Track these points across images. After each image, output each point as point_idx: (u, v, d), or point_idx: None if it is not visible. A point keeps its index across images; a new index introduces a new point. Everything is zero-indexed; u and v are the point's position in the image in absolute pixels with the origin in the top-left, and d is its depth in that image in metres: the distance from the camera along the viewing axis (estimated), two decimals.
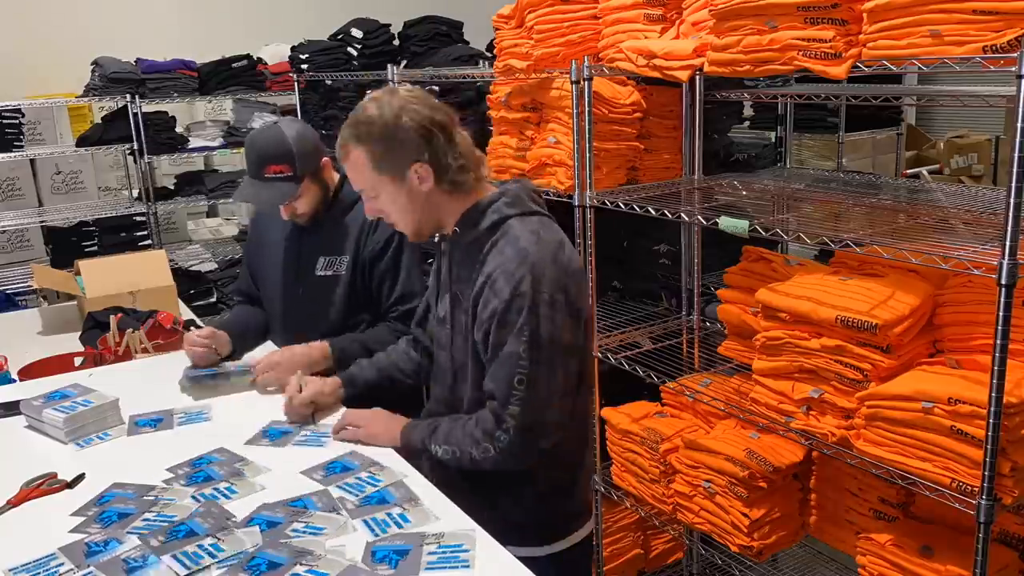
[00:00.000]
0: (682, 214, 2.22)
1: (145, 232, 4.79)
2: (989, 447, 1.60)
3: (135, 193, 4.93)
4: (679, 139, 2.75)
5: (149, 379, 2.30)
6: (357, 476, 1.73)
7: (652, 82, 2.56)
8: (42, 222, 4.63)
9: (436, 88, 3.67)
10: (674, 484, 2.43)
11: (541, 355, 1.62)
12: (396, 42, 4.28)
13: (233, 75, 4.80)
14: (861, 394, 1.84)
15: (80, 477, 1.76)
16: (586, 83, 2.40)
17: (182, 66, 4.64)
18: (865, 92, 2.38)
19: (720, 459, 2.25)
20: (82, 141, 4.58)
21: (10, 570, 1.44)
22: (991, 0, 1.51)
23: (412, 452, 1.82)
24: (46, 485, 1.73)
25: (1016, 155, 1.46)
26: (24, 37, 5.32)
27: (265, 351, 2.39)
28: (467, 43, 4.26)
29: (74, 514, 1.62)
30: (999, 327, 1.55)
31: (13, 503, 1.67)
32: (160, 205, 4.78)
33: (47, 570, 1.44)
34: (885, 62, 1.68)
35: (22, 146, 4.51)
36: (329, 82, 4.51)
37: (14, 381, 2.39)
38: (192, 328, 2.62)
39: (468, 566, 1.42)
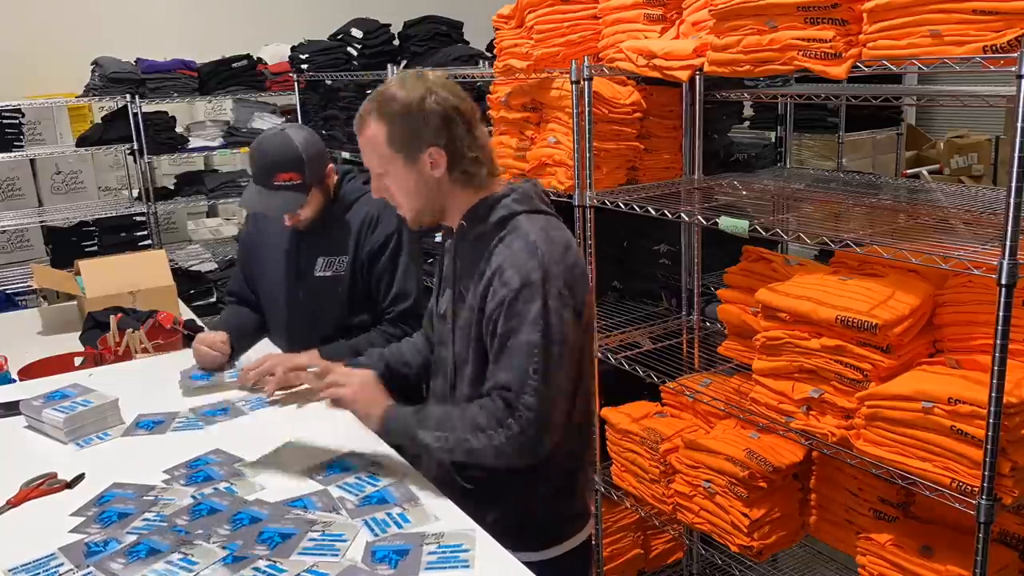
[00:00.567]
0: (682, 214, 2.22)
1: (145, 232, 4.79)
2: (989, 447, 1.60)
3: (135, 193, 4.94)
4: (679, 139, 2.75)
5: (149, 379, 2.30)
6: (357, 476, 1.72)
7: (652, 82, 2.56)
8: (42, 222, 4.63)
9: None
10: (674, 484, 2.43)
11: (554, 349, 1.59)
12: (396, 42, 4.28)
13: (233, 75, 4.80)
14: (861, 394, 1.84)
15: (80, 477, 1.76)
16: (586, 83, 2.40)
17: (182, 66, 4.64)
18: (865, 92, 2.38)
19: (720, 459, 2.25)
20: (82, 141, 4.58)
21: (10, 570, 1.44)
22: (991, 0, 1.51)
23: (392, 437, 1.76)
24: (46, 485, 1.73)
25: (1016, 155, 1.46)
26: (24, 37, 5.32)
27: (258, 352, 2.39)
28: (467, 43, 4.26)
29: (74, 514, 1.62)
30: (999, 327, 1.55)
31: (13, 503, 1.67)
32: (160, 205, 4.78)
33: (47, 570, 1.44)
34: (885, 62, 1.68)
35: (22, 146, 4.51)
36: (329, 82, 4.51)
37: (14, 381, 2.39)
38: (206, 329, 2.60)
39: (468, 566, 1.42)
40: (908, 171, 4.67)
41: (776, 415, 2.05)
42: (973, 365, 1.79)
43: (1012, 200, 1.48)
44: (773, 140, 3.81)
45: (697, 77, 2.54)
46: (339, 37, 4.38)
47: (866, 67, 1.72)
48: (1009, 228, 1.50)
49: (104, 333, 2.54)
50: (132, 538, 1.51)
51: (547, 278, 1.59)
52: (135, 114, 4.48)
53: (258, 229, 2.52)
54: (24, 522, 1.63)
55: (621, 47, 2.31)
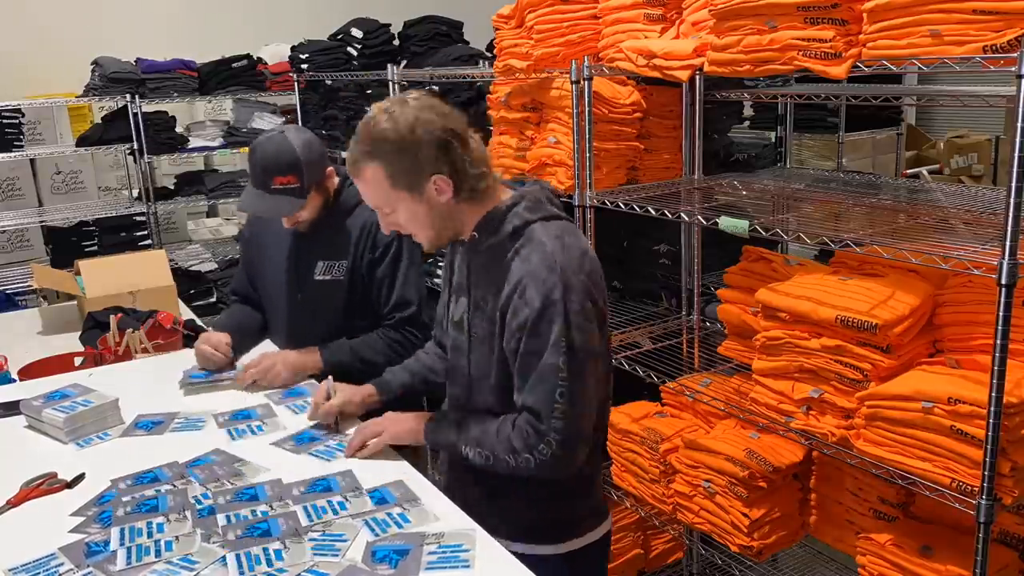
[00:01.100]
0: (682, 214, 2.22)
1: (145, 232, 4.79)
2: (989, 447, 1.60)
3: (135, 193, 4.94)
4: (679, 139, 2.75)
5: (149, 379, 2.30)
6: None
7: (652, 82, 2.56)
8: (42, 222, 4.63)
9: (436, 88, 3.67)
10: (674, 484, 2.43)
11: (578, 367, 1.59)
12: (396, 42, 4.28)
13: (233, 75, 4.80)
14: (861, 394, 1.84)
15: (80, 477, 1.76)
16: (586, 83, 2.40)
17: (182, 66, 4.64)
18: (865, 92, 2.38)
19: (720, 459, 2.25)
20: (82, 141, 4.58)
21: (10, 570, 1.44)
22: (991, 0, 1.51)
23: (439, 448, 1.80)
24: (46, 485, 1.73)
25: (1016, 155, 1.46)
26: (24, 37, 5.32)
27: (259, 352, 2.40)
28: (467, 43, 4.26)
29: (74, 514, 1.62)
30: (999, 327, 1.55)
31: (13, 503, 1.67)
32: (160, 205, 4.78)
33: (47, 570, 1.44)
34: (885, 62, 1.68)
35: (22, 146, 4.51)
36: (329, 82, 4.51)
37: (14, 381, 2.39)
38: (209, 331, 2.60)
39: (468, 566, 1.42)
40: (908, 171, 4.67)
41: (776, 415, 2.05)
42: (973, 365, 1.79)
43: (1012, 200, 1.48)
44: (773, 140, 3.81)
45: (697, 77, 2.54)
46: (339, 37, 4.37)
47: (866, 67, 1.72)
48: (1009, 228, 1.50)
49: (104, 333, 2.54)
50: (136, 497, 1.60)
51: (568, 294, 1.58)
52: (135, 114, 4.48)
53: (260, 230, 2.50)
54: (24, 522, 1.62)
55: (621, 47, 2.31)
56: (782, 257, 2.32)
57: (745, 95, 2.80)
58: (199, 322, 2.92)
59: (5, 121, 4.40)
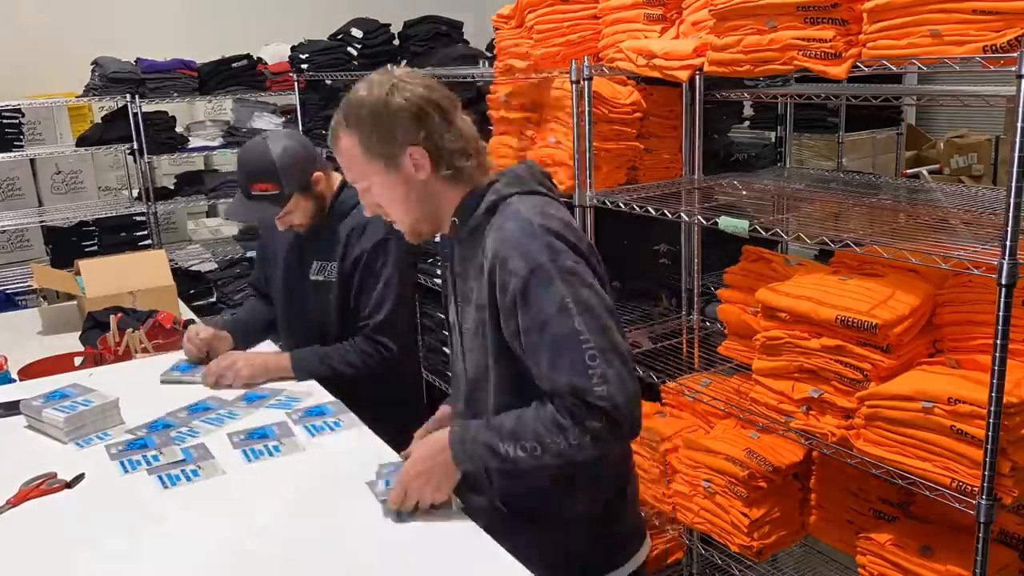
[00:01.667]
0: (682, 214, 2.22)
1: (145, 232, 4.78)
2: (989, 447, 1.60)
3: (135, 193, 4.93)
4: (679, 139, 2.75)
5: (149, 379, 2.30)
6: None
7: (652, 82, 2.56)
8: (42, 222, 4.63)
9: None
10: (674, 484, 2.43)
11: (596, 323, 1.41)
12: (396, 42, 4.29)
13: (233, 75, 4.79)
14: (861, 394, 1.84)
15: (80, 477, 1.76)
16: (586, 83, 2.40)
17: (182, 66, 4.64)
18: (865, 92, 2.38)
19: (720, 459, 2.25)
20: (82, 141, 4.58)
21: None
22: (991, 0, 1.51)
23: (471, 465, 1.53)
24: (46, 485, 1.73)
25: (1016, 155, 1.46)
26: (24, 37, 5.32)
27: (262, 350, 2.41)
28: (467, 43, 4.26)
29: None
30: (999, 327, 1.55)
31: (13, 503, 1.67)
32: (160, 205, 4.78)
33: None
34: (885, 62, 1.68)
35: (22, 146, 4.51)
36: (329, 82, 4.51)
37: (14, 381, 2.39)
38: (197, 322, 2.63)
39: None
40: (908, 171, 4.67)
41: (776, 415, 2.05)
42: (973, 365, 1.79)
43: (1012, 200, 1.48)
44: (773, 140, 3.81)
45: (697, 77, 2.54)
46: (339, 37, 4.37)
47: (866, 67, 1.72)
48: (1009, 228, 1.50)
49: (104, 333, 2.54)
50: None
51: (554, 254, 1.43)
52: (135, 114, 4.48)
53: (272, 227, 2.54)
54: (24, 522, 1.62)
55: (621, 47, 2.31)
56: (782, 257, 2.32)
57: (745, 95, 2.80)
58: (199, 322, 2.92)
59: (5, 121, 4.39)
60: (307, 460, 1.84)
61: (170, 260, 3.34)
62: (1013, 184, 1.48)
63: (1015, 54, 1.46)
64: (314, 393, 2.18)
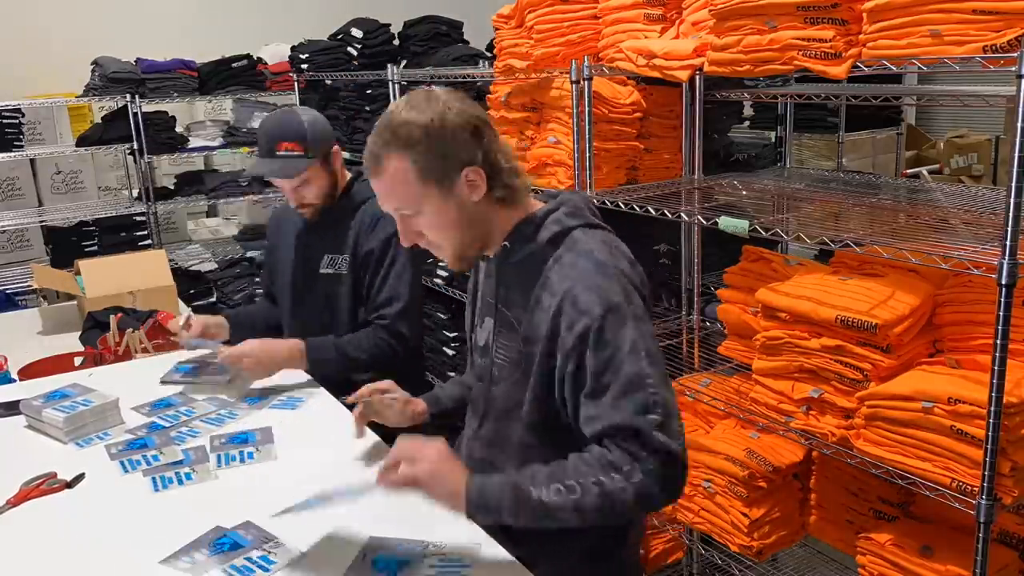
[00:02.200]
0: (682, 214, 2.22)
1: (145, 232, 4.78)
2: (989, 447, 1.60)
3: (135, 193, 4.93)
4: (679, 139, 2.74)
5: (149, 379, 2.30)
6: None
7: (652, 82, 2.56)
8: (42, 222, 4.63)
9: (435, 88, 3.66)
10: None
11: (659, 373, 1.38)
12: (396, 42, 4.28)
13: (233, 75, 4.80)
14: (861, 394, 1.84)
15: (80, 477, 1.76)
16: (586, 83, 2.40)
17: (182, 66, 4.64)
18: (865, 92, 2.38)
19: (720, 459, 2.25)
20: (82, 141, 4.58)
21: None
22: (991, 0, 1.51)
23: (486, 513, 1.39)
24: (46, 485, 1.73)
25: (1016, 155, 1.46)
26: (24, 37, 5.32)
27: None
28: (467, 43, 4.26)
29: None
30: (999, 327, 1.55)
31: (13, 503, 1.67)
32: (160, 205, 4.78)
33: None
34: (885, 62, 1.68)
35: (22, 146, 4.51)
36: (329, 82, 4.51)
37: (14, 381, 2.39)
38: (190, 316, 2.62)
39: None
40: (908, 171, 4.67)
41: (776, 415, 2.05)
42: (973, 365, 1.79)
43: (1012, 200, 1.48)
44: (773, 140, 3.80)
45: (697, 77, 2.54)
46: (339, 37, 4.37)
47: (866, 67, 1.72)
48: (1009, 228, 1.50)
49: (104, 333, 2.54)
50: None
51: (629, 297, 1.40)
52: (135, 114, 4.48)
53: (277, 227, 2.57)
54: (24, 522, 1.62)
55: (621, 47, 2.31)
56: (782, 257, 2.32)
57: (745, 95, 2.80)
58: (194, 317, 2.91)
59: (5, 121, 4.39)
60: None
61: (170, 260, 3.34)
62: (1013, 184, 1.48)
63: (1015, 54, 1.45)
64: (316, 394, 2.17)
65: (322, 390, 2.20)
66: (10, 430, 2.03)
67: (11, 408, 2.10)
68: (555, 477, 1.35)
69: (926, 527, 2.00)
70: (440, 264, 3.69)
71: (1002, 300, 1.54)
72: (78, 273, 2.96)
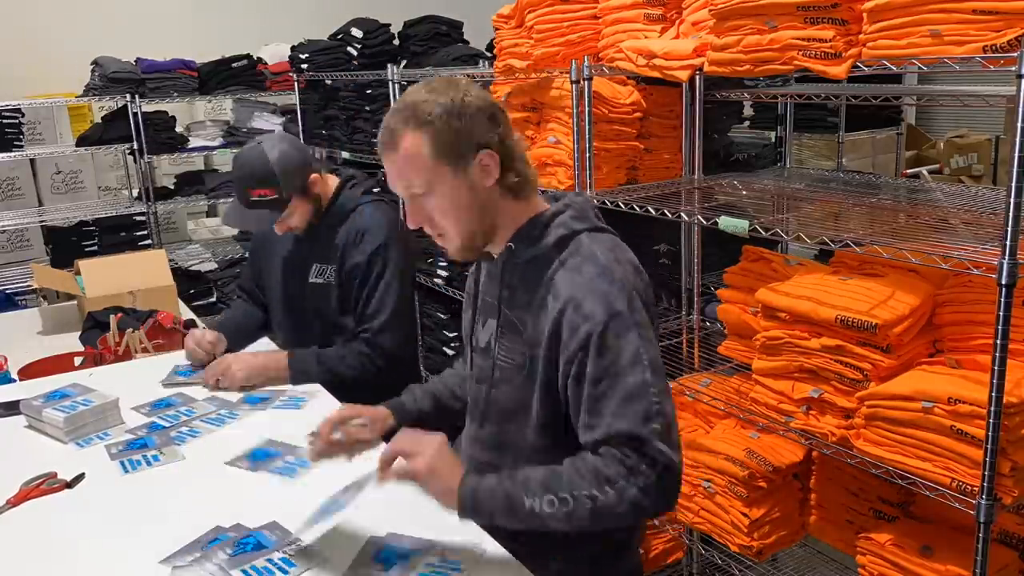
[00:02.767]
0: (682, 214, 2.22)
1: (145, 232, 4.78)
2: (989, 447, 1.60)
3: (135, 193, 4.93)
4: (679, 139, 2.74)
5: (149, 379, 2.30)
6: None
7: (652, 82, 2.56)
8: (42, 222, 4.63)
9: None
10: None
11: (661, 383, 1.39)
12: (396, 42, 4.28)
13: (233, 75, 4.80)
14: (861, 394, 1.84)
15: (80, 477, 1.76)
16: (586, 83, 2.40)
17: (182, 66, 4.64)
18: (865, 92, 2.38)
19: (720, 459, 2.25)
20: (82, 141, 4.58)
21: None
22: (991, 0, 1.51)
23: (478, 516, 1.42)
24: (46, 485, 1.73)
25: (1016, 155, 1.46)
26: (24, 37, 5.32)
27: (260, 346, 2.41)
28: (467, 43, 4.26)
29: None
30: (999, 327, 1.55)
31: (13, 503, 1.67)
32: (160, 205, 4.78)
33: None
34: (885, 62, 1.68)
35: (22, 146, 4.51)
36: (329, 82, 4.51)
37: (14, 381, 2.39)
38: (201, 327, 2.63)
39: None
40: (908, 171, 4.67)
41: (776, 415, 2.05)
42: (973, 365, 1.79)
43: (1012, 200, 1.48)
44: (773, 140, 3.80)
45: (697, 77, 2.54)
46: (339, 37, 4.37)
47: (866, 67, 1.72)
48: (1009, 228, 1.50)
49: (104, 333, 2.54)
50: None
51: (632, 305, 1.40)
52: (135, 114, 4.48)
53: (268, 229, 2.53)
54: (24, 522, 1.62)
55: (621, 47, 2.31)
56: (782, 257, 2.32)
57: (745, 95, 2.80)
58: (199, 322, 2.92)
59: (5, 121, 4.40)
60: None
61: (170, 260, 3.35)
62: (1013, 184, 1.48)
63: (1015, 54, 1.45)
64: (317, 394, 2.17)
65: (323, 390, 2.20)
66: (10, 430, 2.03)
67: (11, 408, 2.10)
68: (549, 487, 1.36)
69: (926, 527, 2.00)
70: (440, 264, 3.69)
71: (1002, 300, 1.54)
72: (78, 273, 2.96)
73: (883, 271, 1.98)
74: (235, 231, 5.37)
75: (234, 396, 2.17)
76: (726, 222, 2.05)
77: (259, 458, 1.82)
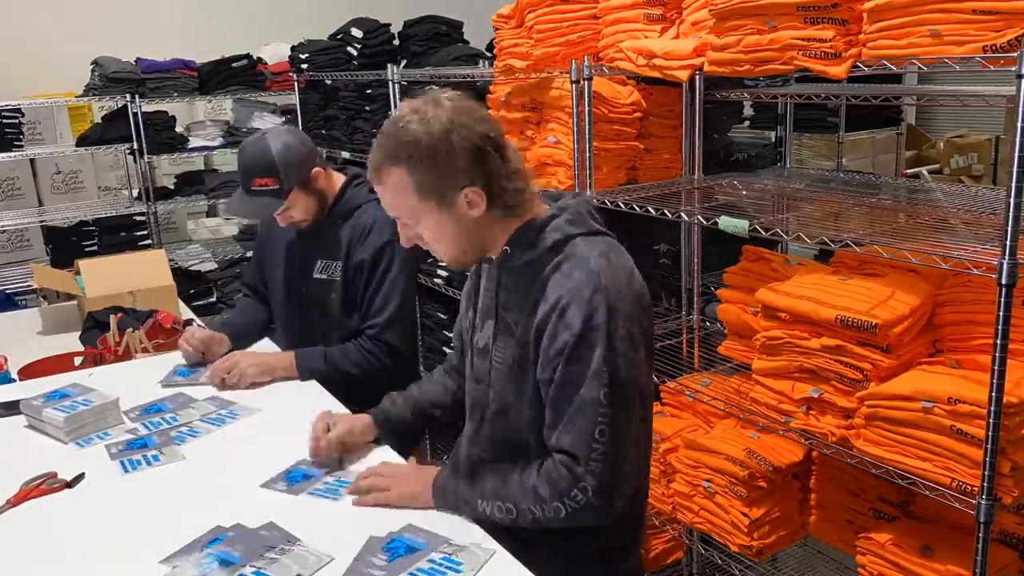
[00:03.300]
0: (682, 214, 2.22)
1: (145, 232, 4.78)
2: (989, 447, 1.60)
3: (135, 193, 4.93)
4: (679, 139, 2.74)
5: (149, 379, 2.30)
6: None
7: (652, 82, 2.56)
8: (42, 222, 4.63)
9: (436, 88, 3.67)
10: (674, 484, 2.43)
11: (621, 400, 1.42)
12: (396, 42, 4.28)
13: (233, 75, 4.80)
14: (861, 394, 1.84)
15: (80, 477, 1.76)
16: (586, 83, 2.40)
17: (182, 66, 4.64)
18: (865, 92, 2.38)
19: (720, 459, 2.25)
20: (82, 141, 4.58)
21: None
22: (991, 0, 1.51)
23: (447, 510, 1.57)
24: (46, 485, 1.73)
25: (1016, 155, 1.46)
26: (24, 37, 5.32)
27: (261, 348, 2.41)
28: (467, 43, 4.26)
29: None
30: (999, 327, 1.55)
31: (13, 503, 1.67)
32: (160, 205, 4.78)
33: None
34: (885, 62, 1.68)
35: (22, 146, 4.51)
36: (329, 82, 4.51)
37: (14, 381, 2.39)
38: (195, 324, 2.63)
39: None
40: (908, 171, 4.67)
41: (776, 415, 2.05)
42: (973, 365, 1.79)
43: (1012, 200, 1.48)
44: (773, 140, 3.80)
45: (697, 77, 2.54)
46: (339, 37, 4.37)
47: (866, 67, 1.72)
48: (1009, 228, 1.50)
49: (104, 333, 2.54)
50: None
51: (613, 316, 1.41)
52: (135, 114, 4.48)
53: (272, 225, 2.54)
54: (24, 522, 1.62)
55: (621, 47, 2.31)
56: (782, 257, 2.32)
57: (745, 95, 2.80)
58: (199, 322, 2.92)
59: (5, 121, 4.39)
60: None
61: (170, 260, 3.34)
62: (1013, 184, 1.48)
63: (1015, 54, 1.45)
64: (314, 396, 2.17)
65: (320, 389, 2.20)
66: (10, 430, 2.03)
67: (11, 408, 2.10)
68: (499, 494, 1.51)
69: (926, 527, 2.00)
70: (440, 264, 3.69)
71: (1002, 300, 1.54)
72: (78, 273, 2.96)
73: (883, 271, 1.98)
74: (235, 231, 5.38)
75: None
76: (726, 222, 2.05)
77: (296, 479, 1.74)
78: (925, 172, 4.67)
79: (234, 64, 4.79)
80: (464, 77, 3.43)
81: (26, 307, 4.18)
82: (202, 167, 5.42)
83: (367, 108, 4.19)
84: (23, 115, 4.54)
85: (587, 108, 2.41)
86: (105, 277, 2.89)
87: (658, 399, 2.70)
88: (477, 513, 1.53)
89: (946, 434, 1.70)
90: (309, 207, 2.32)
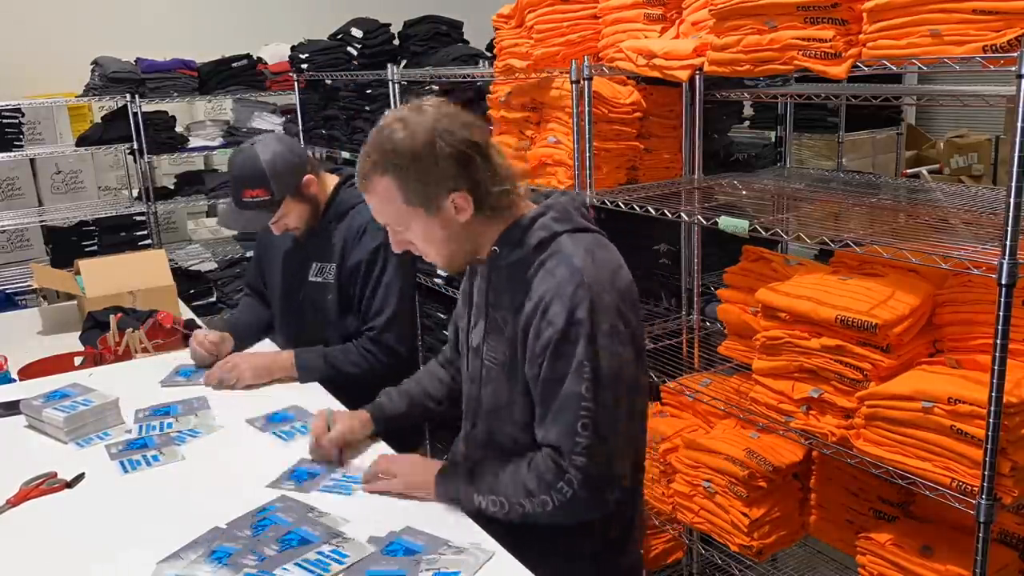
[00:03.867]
0: (682, 214, 2.22)
1: (145, 232, 4.78)
2: (989, 447, 1.60)
3: (135, 193, 4.93)
4: (679, 139, 2.74)
5: (149, 379, 2.30)
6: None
7: (652, 82, 2.56)
8: (42, 222, 4.63)
9: (435, 88, 3.67)
10: (674, 484, 2.43)
11: (605, 394, 1.43)
12: (396, 42, 4.28)
13: (233, 75, 4.80)
14: (861, 394, 1.84)
15: (80, 477, 1.76)
16: (586, 83, 2.40)
17: (182, 66, 4.64)
18: (865, 92, 2.38)
19: (720, 459, 2.25)
20: (82, 141, 4.58)
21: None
22: (991, 0, 1.51)
23: (450, 503, 1.61)
24: (46, 485, 1.73)
25: (1016, 155, 1.46)
26: (24, 37, 5.32)
27: (262, 348, 2.41)
28: (467, 43, 4.26)
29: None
30: (999, 327, 1.55)
31: (13, 503, 1.67)
32: (160, 205, 4.78)
33: None
34: (885, 62, 1.68)
35: (22, 146, 4.51)
36: (329, 82, 4.51)
37: (14, 381, 2.39)
38: (204, 329, 2.63)
39: None
40: (908, 171, 4.67)
41: (776, 415, 2.05)
42: (973, 365, 1.79)
43: (1012, 200, 1.48)
44: (773, 140, 3.80)
45: (697, 77, 2.54)
46: (339, 37, 4.38)
47: (866, 67, 1.72)
48: (1009, 228, 1.50)
49: (104, 333, 2.54)
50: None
51: (596, 312, 1.43)
52: (135, 114, 4.48)
53: (269, 229, 2.55)
54: (24, 522, 1.63)
55: (621, 47, 2.31)
56: (782, 257, 2.32)
57: (745, 95, 2.80)
58: (199, 322, 2.92)
59: (5, 121, 4.39)
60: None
61: (170, 260, 3.34)
62: (1013, 184, 1.48)
63: (1015, 54, 1.45)
64: (317, 397, 2.17)
65: (321, 390, 2.20)
66: (10, 430, 2.03)
67: (11, 408, 2.10)
68: (493, 489, 1.53)
69: (926, 527, 2.00)
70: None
71: (1002, 300, 1.54)
72: (78, 273, 2.96)
73: (883, 271, 1.98)
74: (235, 231, 5.37)
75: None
76: (726, 222, 2.05)
77: (303, 478, 1.73)
78: (925, 172, 4.68)
79: (234, 64, 4.79)
80: (464, 77, 3.43)
81: (26, 307, 4.18)
82: (202, 167, 5.42)
83: (367, 108, 4.19)
84: (23, 115, 4.54)
85: (587, 108, 2.42)
86: (105, 277, 2.89)
87: (658, 399, 2.70)
88: (473, 507, 1.55)
89: (946, 434, 1.70)
90: (302, 214, 2.32)
